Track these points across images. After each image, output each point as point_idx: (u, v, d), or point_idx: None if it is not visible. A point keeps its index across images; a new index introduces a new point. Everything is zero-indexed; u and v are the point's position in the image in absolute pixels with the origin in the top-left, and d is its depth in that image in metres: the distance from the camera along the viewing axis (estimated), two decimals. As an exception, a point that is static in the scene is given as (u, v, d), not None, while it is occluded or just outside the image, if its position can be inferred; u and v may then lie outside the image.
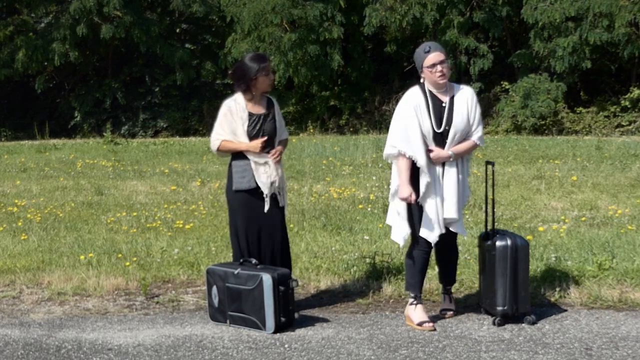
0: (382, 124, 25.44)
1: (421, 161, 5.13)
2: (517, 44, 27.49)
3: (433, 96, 5.24)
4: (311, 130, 26.37)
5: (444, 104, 5.23)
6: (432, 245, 5.30)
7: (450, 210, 5.21)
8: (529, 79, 24.88)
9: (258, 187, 5.45)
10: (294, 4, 26.37)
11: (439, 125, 5.18)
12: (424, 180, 5.17)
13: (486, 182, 5.59)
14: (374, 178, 12.39)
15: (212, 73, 30.08)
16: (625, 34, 23.15)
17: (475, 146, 5.31)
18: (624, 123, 24.15)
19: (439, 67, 5.16)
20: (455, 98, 5.26)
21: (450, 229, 5.30)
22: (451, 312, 5.53)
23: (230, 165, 5.52)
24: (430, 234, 5.23)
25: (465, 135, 5.24)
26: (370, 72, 28.95)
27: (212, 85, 31.57)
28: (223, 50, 28.50)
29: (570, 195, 10.34)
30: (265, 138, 5.45)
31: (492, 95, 27.19)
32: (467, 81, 27.41)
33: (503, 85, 26.43)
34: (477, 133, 5.27)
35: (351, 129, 27.12)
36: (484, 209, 7.24)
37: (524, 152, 16.77)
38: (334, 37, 26.52)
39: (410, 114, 5.18)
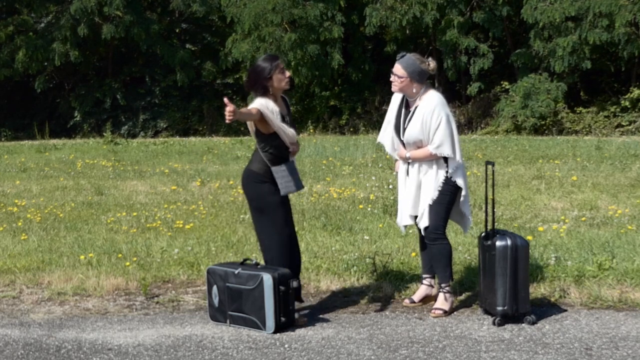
0: (382, 124, 25.43)
1: (388, 149, 5.85)
2: (517, 44, 27.50)
3: (406, 102, 5.65)
4: (311, 130, 26.38)
5: (409, 112, 5.58)
6: (417, 230, 5.78)
7: (408, 205, 5.63)
8: (529, 78, 24.88)
9: None
10: (294, 4, 26.38)
11: (403, 132, 5.58)
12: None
13: (486, 182, 5.59)
14: (373, 178, 12.39)
15: (213, 73, 30.09)
16: (625, 34, 23.15)
17: (431, 155, 5.46)
18: (624, 123, 24.15)
19: (391, 77, 5.57)
20: (417, 108, 5.53)
21: (418, 223, 5.63)
22: (439, 312, 5.52)
23: (260, 171, 5.38)
24: (399, 220, 5.79)
25: (423, 144, 5.51)
26: (370, 72, 28.95)
27: (212, 85, 31.58)
28: (223, 50, 28.51)
29: (570, 195, 10.34)
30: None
31: (492, 95, 27.19)
32: (467, 81, 27.45)
33: (503, 85, 26.43)
34: (433, 144, 5.45)
35: (351, 129, 27.12)
36: (484, 209, 7.24)
37: (524, 152, 16.77)
38: (334, 36, 26.53)
39: (388, 111, 5.80)
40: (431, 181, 5.50)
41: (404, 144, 5.63)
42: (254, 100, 5.37)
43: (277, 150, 5.38)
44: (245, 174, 5.52)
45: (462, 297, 5.90)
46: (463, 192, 5.57)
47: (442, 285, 5.60)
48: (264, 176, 5.38)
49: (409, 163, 5.61)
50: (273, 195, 5.38)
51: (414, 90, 5.54)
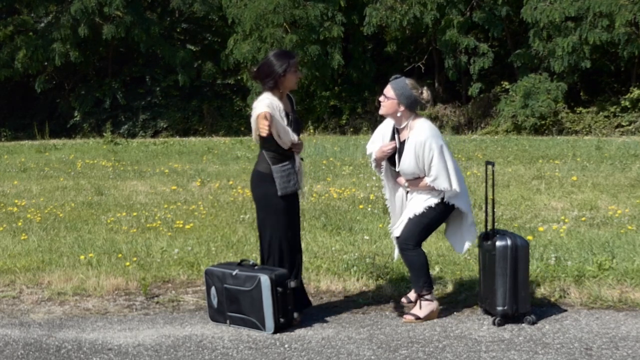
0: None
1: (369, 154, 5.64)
2: (517, 44, 27.51)
3: (396, 130, 5.50)
4: (311, 130, 26.40)
5: (401, 142, 5.43)
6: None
7: (394, 220, 5.60)
8: (529, 78, 24.90)
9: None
10: (294, 4, 26.39)
11: (399, 162, 5.43)
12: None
13: (486, 182, 5.59)
14: (373, 178, 12.39)
15: (213, 73, 30.09)
16: (625, 34, 23.17)
17: (429, 186, 5.34)
18: (624, 123, 24.17)
19: (380, 97, 5.43)
20: (407, 141, 5.37)
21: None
22: (410, 317, 5.41)
23: (267, 171, 5.32)
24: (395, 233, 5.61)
25: (419, 174, 5.38)
26: (370, 72, 28.96)
27: (212, 85, 31.58)
28: (224, 51, 28.51)
29: (570, 195, 10.34)
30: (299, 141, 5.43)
31: (492, 95, 27.20)
32: (468, 81, 27.44)
33: (503, 85, 26.44)
34: (430, 177, 5.30)
35: (351, 129, 27.14)
36: (484, 209, 7.24)
37: (524, 152, 16.77)
38: (334, 36, 26.54)
39: (376, 135, 5.62)
40: (422, 199, 5.39)
41: (398, 173, 5.52)
42: (260, 92, 5.30)
43: (280, 148, 5.33)
44: (253, 176, 5.47)
45: (462, 297, 5.90)
46: (469, 219, 5.44)
47: (419, 293, 5.47)
48: (269, 176, 5.32)
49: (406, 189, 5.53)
50: (279, 197, 5.32)
51: (399, 115, 5.35)
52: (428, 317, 5.42)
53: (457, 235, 5.54)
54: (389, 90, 5.38)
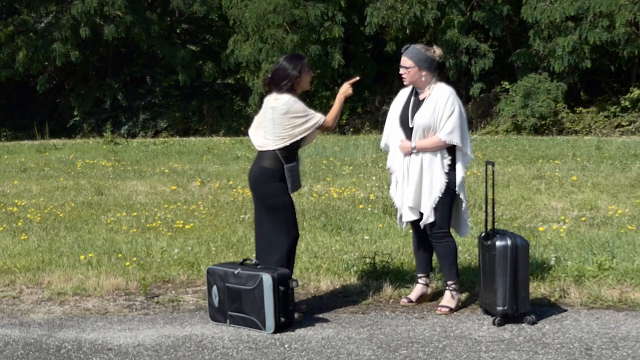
0: (382, 124, 25.44)
1: (383, 146, 5.83)
2: (517, 44, 27.50)
3: (416, 94, 5.65)
4: (311, 130, 26.33)
5: (419, 101, 5.59)
6: (407, 226, 5.80)
7: (409, 198, 5.55)
8: (529, 78, 24.88)
9: None
10: (295, 4, 26.38)
11: (412, 118, 5.56)
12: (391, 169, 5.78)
13: (486, 182, 5.59)
14: (374, 178, 12.39)
15: (213, 73, 30.09)
16: (625, 34, 23.15)
17: (440, 143, 5.44)
18: (624, 123, 24.16)
19: (400, 70, 5.61)
20: (428, 98, 5.54)
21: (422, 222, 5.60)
22: (445, 309, 5.54)
23: (275, 168, 5.44)
24: (400, 217, 5.73)
25: (432, 132, 5.48)
26: (371, 72, 28.95)
27: (212, 85, 31.58)
28: (225, 51, 28.50)
29: (570, 195, 10.34)
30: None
31: (492, 95, 27.19)
32: (468, 81, 27.43)
33: (503, 85, 26.44)
34: (443, 130, 5.44)
35: (352, 129, 27.14)
36: (484, 209, 7.24)
37: (524, 152, 16.77)
38: (334, 36, 26.53)
39: (390, 109, 5.80)
40: (436, 174, 5.46)
41: (408, 135, 5.56)
42: (282, 96, 5.45)
43: (297, 145, 5.56)
44: (257, 172, 5.52)
45: (462, 297, 5.90)
46: (463, 205, 5.59)
47: (449, 282, 5.61)
48: (278, 173, 5.43)
49: (410, 155, 5.54)
50: (287, 194, 5.46)
51: (423, 79, 5.55)
52: (457, 308, 5.58)
53: (460, 220, 5.67)
54: (406, 61, 5.59)
